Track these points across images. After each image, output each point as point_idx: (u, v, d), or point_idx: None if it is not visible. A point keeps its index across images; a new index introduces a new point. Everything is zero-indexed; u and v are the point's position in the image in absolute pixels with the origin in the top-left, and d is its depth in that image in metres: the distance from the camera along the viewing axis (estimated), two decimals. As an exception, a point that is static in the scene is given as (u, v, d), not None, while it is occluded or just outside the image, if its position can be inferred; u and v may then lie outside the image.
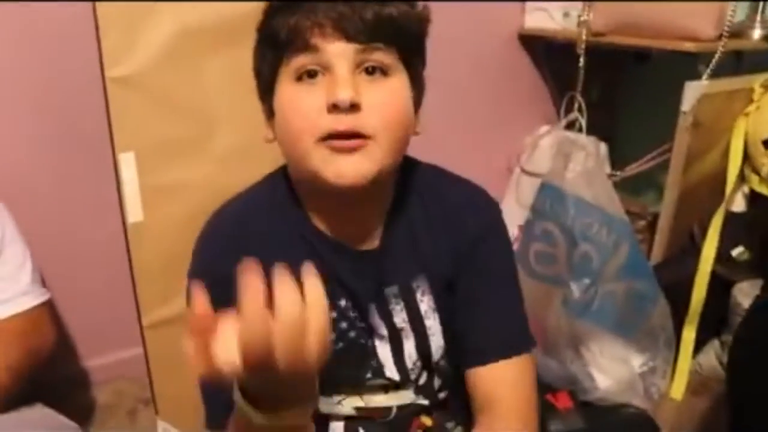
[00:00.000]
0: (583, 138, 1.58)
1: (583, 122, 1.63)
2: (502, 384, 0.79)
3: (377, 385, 0.85)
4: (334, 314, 0.80)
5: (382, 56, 0.70)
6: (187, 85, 1.30)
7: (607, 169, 1.64)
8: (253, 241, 0.77)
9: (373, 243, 0.80)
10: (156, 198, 1.30)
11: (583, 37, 1.55)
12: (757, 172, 1.43)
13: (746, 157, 1.45)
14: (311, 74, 0.70)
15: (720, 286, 1.43)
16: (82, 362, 1.49)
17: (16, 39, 1.29)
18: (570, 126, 1.68)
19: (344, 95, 0.67)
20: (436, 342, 0.83)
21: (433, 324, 0.83)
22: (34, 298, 1.08)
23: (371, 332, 0.82)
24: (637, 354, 1.45)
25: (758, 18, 1.51)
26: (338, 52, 0.69)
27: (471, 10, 1.69)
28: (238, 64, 1.36)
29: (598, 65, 1.68)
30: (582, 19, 1.56)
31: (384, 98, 0.70)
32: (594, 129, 1.66)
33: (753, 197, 1.48)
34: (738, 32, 1.49)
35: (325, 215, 0.79)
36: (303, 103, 0.70)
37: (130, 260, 1.29)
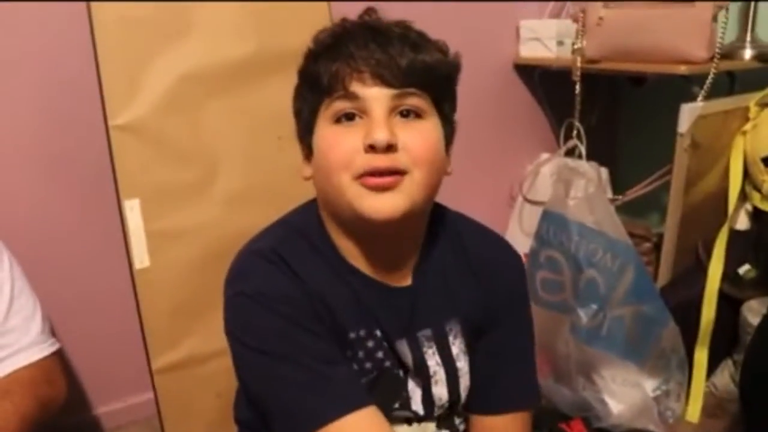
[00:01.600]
0: (583, 164, 1.59)
1: (583, 148, 1.64)
2: None
3: (402, 417, 0.86)
4: (371, 343, 0.82)
5: (416, 101, 0.76)
6: (188, 130, 1.32)
7: (609, 194, 1.65)
8: (300, 276, 0.79)
9: (406, 281, 0.83)
10: (162, 243, 1.31)
11: (578, 65, 1.57)
12: (758, 189, 1.43)
13: (746, 175, 1.46)
14: (349, 117, 0.75)
15: (729, 305, 1.43)
16: (93, 410, 1.49)
17: (22, 91, 1.33)
18: (570, 153, 1.69)
19: (381, 136, 0.72)
20: (465, 383, 0.87)
21: (463, 366, 0.86)
22: (44, 349, 1.09)
23: (402, 366, 0.84)
24: (650, 378, 1.44)
25: (748, 38, 1.54)
26: (375, 97, 0.74)
27: (466, 41, 1.71)
28: (237, 108, 1.41)
29: (594, 91, 1.70)
30: (576, 47, 1.59)
31: (417, 138, 0.75)
32: (594, 154, 1.67)
33: (756, 214, 1.48)
34: (729, 53, 1.51)
35: (357, 251, 0.81)
36: (342, 143, 0.75)
37: (138, 306, 1.31)
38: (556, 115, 1.85)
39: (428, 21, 0.81)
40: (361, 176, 0.73)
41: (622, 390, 1.40)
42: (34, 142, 1.35)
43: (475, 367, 0.87)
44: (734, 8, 1.56)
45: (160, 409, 1.33)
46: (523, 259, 1.47)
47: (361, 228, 0.78)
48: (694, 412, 1.42)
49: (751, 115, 1.44)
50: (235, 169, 1.36)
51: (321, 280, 0.80)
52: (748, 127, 1.44)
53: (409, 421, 0.87)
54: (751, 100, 1.46)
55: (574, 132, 1.62)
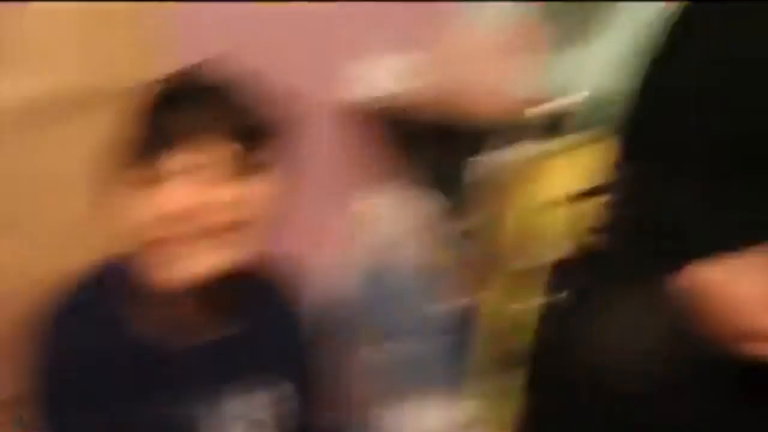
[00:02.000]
0: (412, 195, 1.68)
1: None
2: None
3: None
4: None
5: (251, 156, 0.80)
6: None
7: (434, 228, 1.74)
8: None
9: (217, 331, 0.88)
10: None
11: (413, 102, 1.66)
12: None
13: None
14: (191, 170, 0.78)
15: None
16: None
17: None
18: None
19: (215, 195, 0.76)
20: None
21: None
22: None
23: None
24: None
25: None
26: (211, 152, 0.78)
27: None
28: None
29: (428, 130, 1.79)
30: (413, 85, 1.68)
31: (254, 192, 0.80)
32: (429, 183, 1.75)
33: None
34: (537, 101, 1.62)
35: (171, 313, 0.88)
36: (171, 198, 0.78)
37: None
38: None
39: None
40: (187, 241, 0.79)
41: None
42: None
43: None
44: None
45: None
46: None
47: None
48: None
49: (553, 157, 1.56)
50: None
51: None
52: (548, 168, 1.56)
53: None
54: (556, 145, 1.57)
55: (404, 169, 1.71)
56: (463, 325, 1.52)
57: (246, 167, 0.80)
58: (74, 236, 1.28)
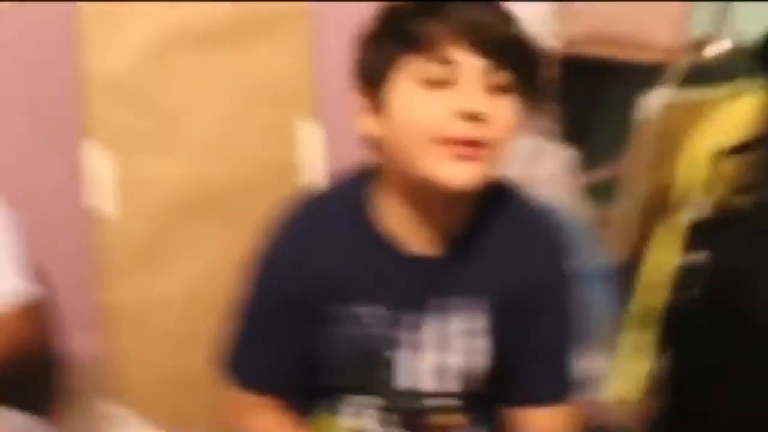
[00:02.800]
0: (553, 145, 1.62)
1: (556, 130, 1.66)
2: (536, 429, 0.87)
3: (375, 404, 0.91)
4: (372, 319, 0.86)
5: (506, 76, 0.76)
6: (160, 82, 1.36)
7: (576, 175, 1.68)
8: (317, 244, 0.86)
9: (441, 250, 0.85)
10: (127, 190, 1.37)
11: (556, 49, 1.59)
12: (719, 181, 1.44)
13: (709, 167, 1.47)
14: (440, 82, 0.75)
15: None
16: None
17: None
18: (544, 133, 1.71)
19: (480, 107, 0.73)
20: (483, 361, 0.88)
21: (483, 345, 0.87)
22: (20, 296, 1.15)
23: (405, 342, 0.87)
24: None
25: (725, 30, 1.54)
26: (473, 66, 0.74)
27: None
28: (213, 67, 1.44)
29: (570, 74, 1.71)
30: (553, 32, 1.60)
31: (504, 115, 0.76)
32: (568, 137, 1.70)
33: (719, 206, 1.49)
34: (704, 44, 1.51)
35: (405, 219, 0.84)
36: (430, 107, 0.74)
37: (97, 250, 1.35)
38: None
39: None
40: (445, 142, 0.74)
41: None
42: (10, 87, 1.40)
43: (508, 355, 0.87)
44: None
45: (113, 350, 1.39)
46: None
47: (424, 194, 0.79)
48: (628, 392, 1.45)
49: (720, 106, 1.45)
50: (201, 125, 1.41)
51: (336, 258, 0.84)
52: (715, 117, 1.45)
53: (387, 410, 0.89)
54: (723, 91, 1.47)
55: (546, 114, 1.64)
56: (620, 277, 1.43)
57: (496, 86, 0.75)
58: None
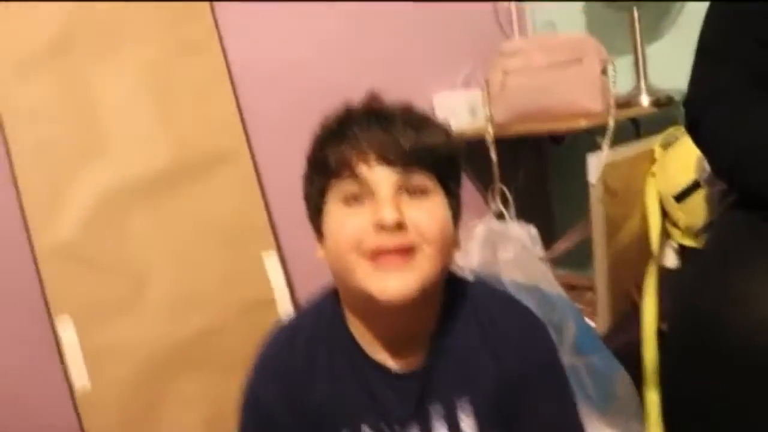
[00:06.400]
0: (511, 225, 1.63)
1: (510, 210, 1.68)
2: None
3: None
4: None
5: (421, 179, 0.78)
6: (114, 243, 1.34)
7: (540, 251, 1.68)
8: (299, 373, 0.84)
9: (418, 361, 0.84)
10: (100, 361, 1.30)
11: (490, 132, 1.63)
12: (676, 226, 1.47)
13: (664, 214, 1.50)
14: (357, 198, 0.77)
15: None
16: None
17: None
18: (501, 215, 1.73)
19: (389, 215, 0.74)
20: None
21: None
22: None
23: None
24: (610, 428, 1.42)
25: (642, 86, 1.62)
26: (381, 177, 0.77)
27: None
28: (162, 218, 1.43)
29: (517, 153, 1.76)
30: (485, 115, 1.66)
31: (425, 215, 0.77)
32: (524, 214, 1.71)
33: (682, 251, 1.52)
34: (628, 102, 1.59)
35: (371, 335, 0.83)
36: (351, 224, 0.77)
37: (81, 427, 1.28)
38: (483, 181, 1.90)
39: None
40: (370, 256, 0.75)
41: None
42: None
43: None
44: (627, 60, 1.67)
45: None
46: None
47: (373, 308, 0.78)
48: (653, 455, 1.40)
49: (657, 156, 1.51)
50: (165, 278, 1.37)
51: (317, 384, 0.83)
52: (655, 168, 1.50)
53: None
54: (655, 142, 1.53)
55: (498, 196, 1.67)
56: (598, 347, 1.41)
57: (415, 190, 0.78)
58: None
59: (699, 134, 1.06)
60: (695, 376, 0.93)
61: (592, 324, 1.52)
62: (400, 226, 0.74)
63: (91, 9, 1.36)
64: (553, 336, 0.91)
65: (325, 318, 0.86)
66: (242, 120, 1.52)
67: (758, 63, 0.97)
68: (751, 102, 0.98)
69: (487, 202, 1.86)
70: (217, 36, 1.49)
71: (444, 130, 0.82)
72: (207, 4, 1.48)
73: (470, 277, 0.92)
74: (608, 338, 1.48)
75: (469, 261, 1.70)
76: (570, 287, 1.57)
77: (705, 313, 0.92)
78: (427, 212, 0.77)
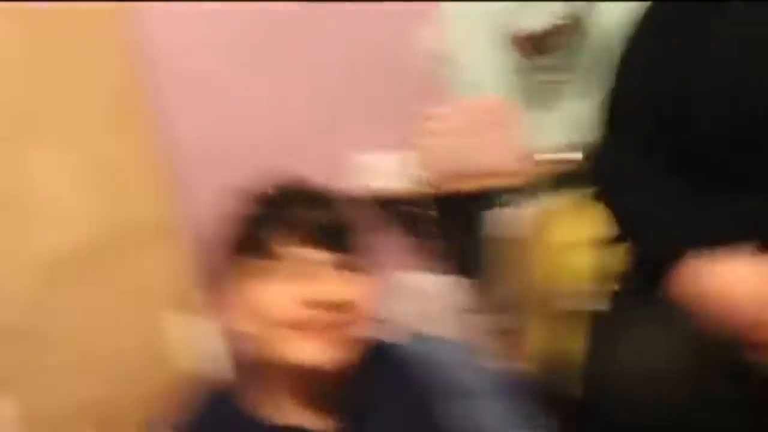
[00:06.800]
0: (440, 280, 1.68)
1: (438, 263, 1.73)
2: None
3: None
4: None
5: (350, 256, 0.85)
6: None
7: (464, 301, 1.72)
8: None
9: (336, 421, 0.87)
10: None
11: (417, 191, 1.70)
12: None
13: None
14: (292, 276, 0.82)
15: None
16: None
17: None
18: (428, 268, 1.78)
19: (334, 295, 0.80)
20: None
21: None
22: None
23: None
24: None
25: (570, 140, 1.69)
26: (299, 257, 0.82)
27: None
28: (87, 300, 1.34)
29: (444, 209, 1.82)
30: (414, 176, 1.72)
31: (357, 291, 0.84)
32: (457, 268, 1.77)
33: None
34: (555, 157, 1.66)
35: (294, 406, 0.86)
36: (281, 299, 0.81)
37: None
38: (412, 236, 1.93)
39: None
40: (299, 327, 0.80)
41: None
42: None
43: None
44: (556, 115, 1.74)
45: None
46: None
47: (291, 377, 0.84)
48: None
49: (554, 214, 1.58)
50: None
51: None
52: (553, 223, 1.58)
53: None
54: (568, 198, 1.60)
55: (427, 251, 1.73)
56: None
57: (346, 269, 0.84)
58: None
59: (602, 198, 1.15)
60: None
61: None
62: (339, 304, 0.80)
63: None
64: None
65: (236, 396, 0.88)
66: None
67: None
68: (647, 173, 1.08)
69: (416, 257, 1.92)
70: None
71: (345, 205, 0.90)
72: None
73: (386, 333, 0.97)
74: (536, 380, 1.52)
75: (386, 314, 1.74)
76: (502, 332, 1.62)
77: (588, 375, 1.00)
78: (359, 288, 0.84)
